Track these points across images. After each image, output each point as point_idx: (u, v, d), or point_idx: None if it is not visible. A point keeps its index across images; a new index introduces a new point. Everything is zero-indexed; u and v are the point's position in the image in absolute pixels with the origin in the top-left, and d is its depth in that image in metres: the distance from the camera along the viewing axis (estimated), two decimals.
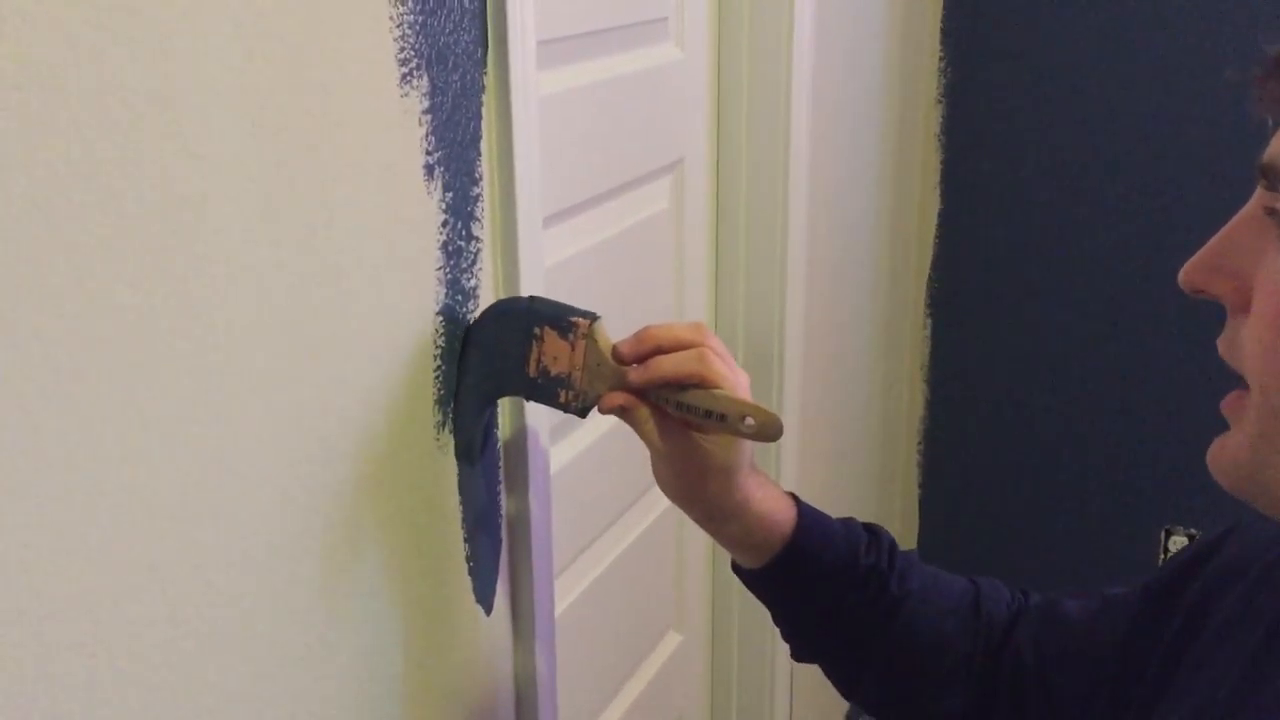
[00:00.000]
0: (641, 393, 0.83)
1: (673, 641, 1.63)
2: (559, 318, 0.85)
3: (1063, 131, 2.23)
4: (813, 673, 0.98)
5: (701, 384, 0.82)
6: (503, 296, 0.93)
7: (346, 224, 0.75)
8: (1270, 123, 0.61)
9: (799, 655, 0.95)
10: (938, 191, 2.36)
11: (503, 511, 0.97)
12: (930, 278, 2.40)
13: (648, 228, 1.39)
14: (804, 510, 0.89)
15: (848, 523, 0.91)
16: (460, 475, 0.90)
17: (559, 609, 1.22)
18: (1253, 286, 0.61)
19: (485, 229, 0.90)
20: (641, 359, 0.83)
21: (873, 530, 0.91)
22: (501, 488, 0.97)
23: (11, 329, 0.54)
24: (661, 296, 1.46)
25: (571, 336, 0.84)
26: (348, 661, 0.81)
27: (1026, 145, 2.26)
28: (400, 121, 0.78)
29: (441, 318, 0.85)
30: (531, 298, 0.88)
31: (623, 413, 0.84)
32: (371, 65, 0.76)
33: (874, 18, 1.97)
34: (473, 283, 0.89)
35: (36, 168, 0.54)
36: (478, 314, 0.90)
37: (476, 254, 0.89)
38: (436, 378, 0.86)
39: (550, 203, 1.08)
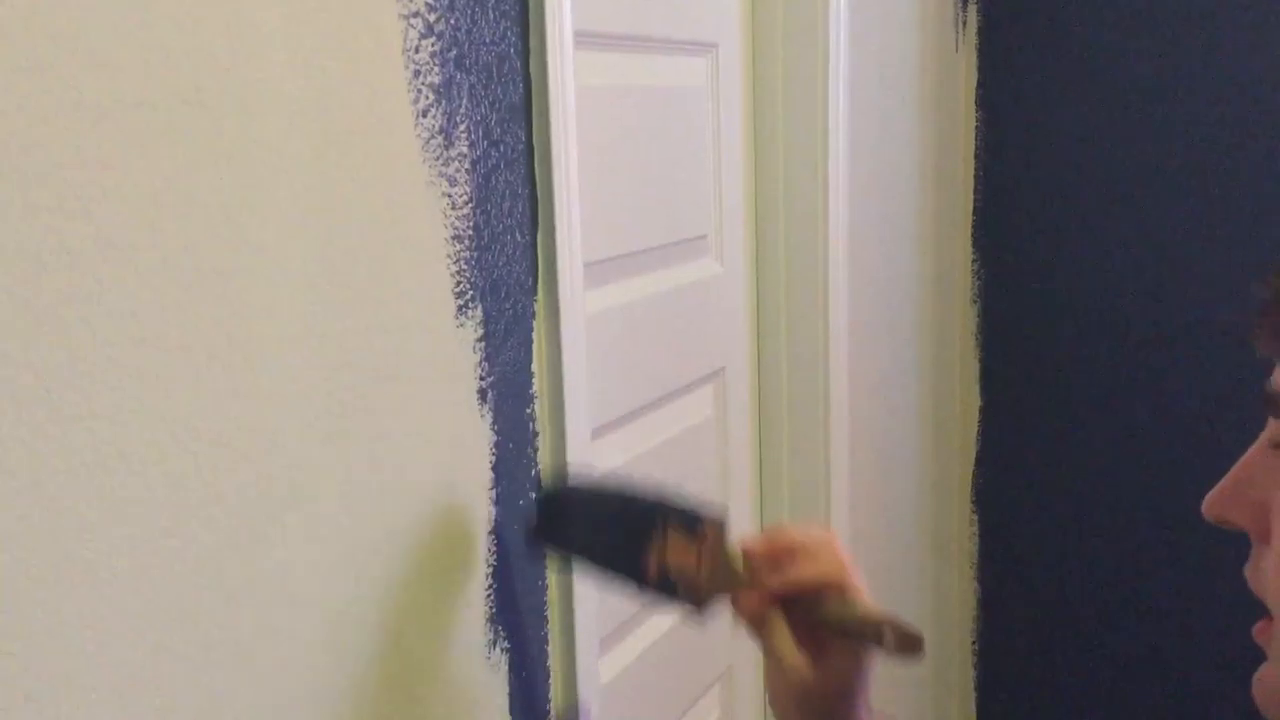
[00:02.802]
0: (773, 598, 0.76)
1: None
2: (687, 516, 0.80)
3: (1098, 331, 2.26)
4: None
5: (842, 593, 0.75)
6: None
7: (405, 451, 0.78)
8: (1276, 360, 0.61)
9: None
10: (977, 388, 2.38)
11: None
12: (974, 472, 2.40)
13: (692, 435, 1.41)
14: None
15: None
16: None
17: None
18: (1271, 517, 0.60)
19: (537, 444, 0.93)
20: (774, 561, 0.77)
21: None
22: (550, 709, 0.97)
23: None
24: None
25: (699, 533, 0.79)
26: None
27: (1063, 352, 2.30)
28: (457, 351, 0.82)
29: (494, 537, 0.87)
30: (658, 491, 0.83)
31: (754, 620, 0.77)
32: (429, 299, 0.80)
33: (907, 222, 2.03)
34: (523, 501, 0.91)
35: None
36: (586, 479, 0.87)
37: (528, 471, 0.92)
38: (488, 596, 0.87)
39: (597, 415, 1.11)
